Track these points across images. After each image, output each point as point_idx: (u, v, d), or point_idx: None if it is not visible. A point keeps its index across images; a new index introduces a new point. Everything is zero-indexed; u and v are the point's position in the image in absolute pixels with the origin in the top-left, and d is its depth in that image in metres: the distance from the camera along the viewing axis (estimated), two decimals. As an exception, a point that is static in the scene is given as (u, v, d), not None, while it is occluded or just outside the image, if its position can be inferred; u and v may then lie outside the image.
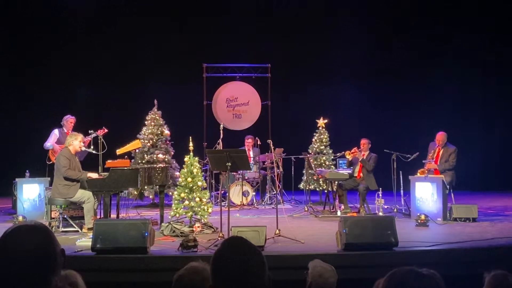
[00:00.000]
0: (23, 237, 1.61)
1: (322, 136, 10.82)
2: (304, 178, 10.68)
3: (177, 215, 7.02)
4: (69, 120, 8.70)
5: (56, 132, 8.62)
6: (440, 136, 8.68)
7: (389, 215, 7.12)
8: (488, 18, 12.72)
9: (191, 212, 6.93)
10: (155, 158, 9.94)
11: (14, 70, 12.41)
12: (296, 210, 9.31)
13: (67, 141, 7.21)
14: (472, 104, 13.00)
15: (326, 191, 9.74)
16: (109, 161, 7.26)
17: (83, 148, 7.47)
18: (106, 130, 8.16)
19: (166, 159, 9.97)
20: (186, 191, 6.96)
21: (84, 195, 6.89)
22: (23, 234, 1.62)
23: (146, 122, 10.36)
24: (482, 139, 12.54)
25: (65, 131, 8.65)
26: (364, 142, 9.03)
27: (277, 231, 6.29)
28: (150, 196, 10.26)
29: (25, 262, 1.57)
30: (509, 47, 12.64)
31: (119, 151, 7.86)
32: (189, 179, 6.97)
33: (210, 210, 7.08)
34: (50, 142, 8.53)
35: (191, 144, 7.23)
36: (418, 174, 8.36)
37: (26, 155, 10.82)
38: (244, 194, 9.90)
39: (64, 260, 1.67)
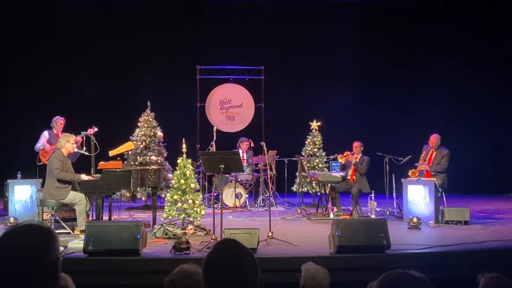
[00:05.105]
0: (23, 237, 1.60)
1: (315, 138, 10.84)
2: (297, 180, 10.68)
3: (170, 217, 6.99)
4: (58, 121, 8.68)
5: (46, 133, 8.58)
6: (434, 139, 8.73)
7: (381, 217, 7.14)
8: (482, 20, 12.81)
9: (183, 214, 6.91)
10: (148, 160, 9.91)
11: (4, 71, 12.33)
12: (289, 213, 9.31)
13: (59, 143, 7.16)
14: (464, 107, 13.06)
15: (319, 194, 9.75)
16: (101, 162, 7.22)
17: (76, 150, 7.43)
18: (96, 129, 8.14)
19: (159, 161, 9.94)
20: (179, 193, 6.94)
21: (76, 197, 6.86)
22: (24, 233, 1.61)
23: (139, 124, 10.33)
24: (474, 142, 12.60)
25: (55, 132, 8.63)
26: (356, 145, 9.05)
27: (270, 234, 6.29)
28: (143, 198, 10.22)
29: (19, 263, 1.55)
30: (501, 50, 12.74)
31: (111, 153, 7.83)
32: (182, 181, 6.95)
33: (203, 212, 7.06)
34: (41, 143, 8.50)
35: (184, 146, 7.21)
36: (409, 174, 8.39)
37: (17, 156, 10.75)
38: (237, 196, 9.89)
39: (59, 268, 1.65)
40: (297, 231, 7.20)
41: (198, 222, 7.01)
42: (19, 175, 8.48)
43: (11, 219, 7.26)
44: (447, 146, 8.77)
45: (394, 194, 8.71)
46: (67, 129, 8.55)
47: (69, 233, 6.95)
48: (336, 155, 9.19)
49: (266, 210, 9.12)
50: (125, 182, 6.96)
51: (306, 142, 10.93)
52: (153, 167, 8.22)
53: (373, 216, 8.10)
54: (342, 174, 8.92)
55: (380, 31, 13.26)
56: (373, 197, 8.36)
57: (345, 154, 9.02)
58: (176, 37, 13.10)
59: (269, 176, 9.74)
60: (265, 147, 7.82)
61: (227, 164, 6.38)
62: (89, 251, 5.33)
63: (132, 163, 9.85)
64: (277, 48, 13.25)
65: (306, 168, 9.96)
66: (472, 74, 12.92)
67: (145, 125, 10.26)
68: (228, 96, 11.93)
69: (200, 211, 6.99)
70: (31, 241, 1.59)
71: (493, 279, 2.51)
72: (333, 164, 9.84)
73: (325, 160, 10.57)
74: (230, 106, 11.92)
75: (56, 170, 6.82)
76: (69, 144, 7.05)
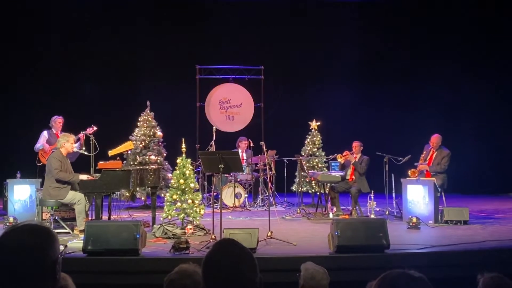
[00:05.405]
0: (22, 237, 1.60)
1: (314, 138, 10.84)
2: (297, 180, 10.68)
3: (169, 217, 6.99)
4: (57, 121, 8.68)
5: (45, 133, 8.58)
6: (435, 139, 8.71)
7: (381, 217, 7.12)
8: (482, 20, 12.81)
9: (183, 214, 6.90)
10: (147, 159, 9.91)
11: (3, 70, 12.31)
12: (289, 212, 9.30)
13: (58, 143, 7.16)
14: (464, 107, 13.07)
15: (318, 194, 9.75)
16: (101, 162, 7.22)
17: (75, 149, 7.43)
18: (95, 128, 8.14)
19: (158, 161, 9.94)
20: (178, 192, 6.94)
21: (75, 197, 6.86)
22: (23, 233, 1.61)
23: (138, 123, 10.33)
24: (474, 142, 12.61)
25: (54, 132, 8.63)
26: (356, 144, 9.06)
27: (269, 233, 6.29)
28: (142, 198, 10.22)
29: (18, 263, 1.55)
30: (501, 50, 12.75)
31: (111, 152, 7.82)
32: (182, 181, 6.95)
33: (202, 212, 7.06)
34: (40, 143, 8.50)
35: (183, 145, 7.21)
36: (409, 174, 8.39)
37: (17, 156, 10.74)
38: (237, 196, 9.89)
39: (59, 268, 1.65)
40: (297, 231, 7.20)
41: (198, 222, 7.01)
42: (18, 175, 8.49)
43: (11, 219, 7.26)
44: (446, 146, 8.76)
45: (393, 194, 8.71)
46: (66, 128, 8.55)
47: (69, 232, 6.95)
48: (335, 154, 9.19)
49: (265, 210, 9.11)
50: (125, 182, 6.96)
51: (306, 141, 10.92)
52: (153, 166, 8.22)
53: (372, 216, 8.10)
54: (342, 173, 8.92)
55: (380, 31, 13.25)
56: (372, 197, 8.36)
57: (344, 153, 9.02)
58: (175, 36, 13.09)
59: (268, 175, 9.74)
60: (264, 147, 7.81)
61: (227, 164, 6.38)
62: (88, 250, 5.33)
63: (132, 163, 9.85)
64: (276, 47, 13.24)
65: (305, 167, 9.95)
66: (472, 74, 12.92)
67: (145, 124, 10.26)
68: (227, 95, 11.93)
69: (200, 211, 6.99)
70: (31, 241, 1.59)
71: (492, 279, 2.52)
72: (333, 163, 9.84)
73: (325, 159, 10.57)
74: (230, 105, 11.92)
75: (55, 171, 6.82)
76: (69, 144, 7.05)
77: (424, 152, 8.77)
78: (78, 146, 8.00)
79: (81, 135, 8.16)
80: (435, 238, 6.59)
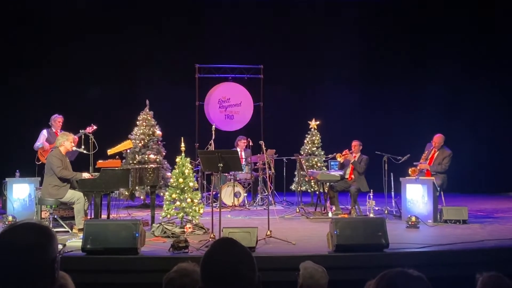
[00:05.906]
0: (21, 235, 1.60)
1: (314, 137, 10.84)
2: (296, 179, 10.69)
3: (168, 215, 6.99)
4: (57, 120, 8.68)
5: (44, 132, 8.59)
6: (437, 138, 8.67)
7: (380, 216, 7.14)
8: (482, 21, 12.81)
9: (182, 213, 6.91)
10: (146, 158, 9.90)
11: (3, 69, 12.29)
12: (288, 212, 9.31)
13: (58, 141, 7.17)
14: (462, 107, 13.07)
15: (317, 193, 9.75)
16: (100, 161, 7.22)
17: (74, 148, 7.43)
18: (94, 127, 8.14)
19: (157, 160, 9.93)
20: (178, 191, 6.94)
21: (74, 196, 6.86)
22: (22, 232, 1.61)
23: (137, 123, 10.31)
24: (473, 142, 12.60)
25: (54, 130, 8.63)
26: (355, 144, 9.06)
27: (269, 232, 6.29)
28: (141, 197, 10.21)
29: (17, 262, 1.55)
30: (500, 50, 12.75)
31: (110, 151, 7.82)
32: (181, 180, 6.95)
33: (201, 211, 7.07)
34: (40, 142, 8.50)
35: (182, 144, 7.21)
36: (410, 172, 8.38)
37: (16, 154, 10.73)
38: (236, 195, 9.88)
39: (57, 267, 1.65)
40: (296, 230, 7.20)
41: (197, 221, 7.01)
42: (17, 174, 8.49)
43: (10, 218, 7.26)
44: (447, 146, 8.75)
45: (392, 193, 8.72)
46: (66, 127, 8.54)
47: (68, 231, 6.95)
48: (334, 154, 9.19)
49: (264, 209, 9.11)
50: (124, 181, 6.96)
51: (305, 141, 10.92)
52: (152, 165, 8.21)
53: (371, 215, 8.10)
54: (341, 173, 8.91)
55: (380, 31, 13.24)
56: (371, 196, 8.36)
57: (343, 153, 9.03)
58: (175, 35, 13.08)
59: (267, 175, 9.74)
60: (263, 146, 7.81)
61: (226, 163, 6.38)
62: (87, 249, 5.33)
63: (131, 162, 9.84)
64: (276, 47, 13.24)
65: (304, 167, 9.96)
66: (472, 74, 12.92)
67: (144, 123, 10.24)
68: (227, 95, 11.94)
69: (199, 210, 6.99)
70: (29, 240, 1.58)
71: (491, 278, 2.52)
72: (332, 163, 9.84)
73: (324, 159, 10.58)
74: (229, 105, 11.92)
75: (57, 169, 6.83)
76: (68, 142, 7.06)
77: (426, 152, 8.74)
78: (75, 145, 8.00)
79: (75, 137, 8.13)
80: (434, 237, 6.59)
